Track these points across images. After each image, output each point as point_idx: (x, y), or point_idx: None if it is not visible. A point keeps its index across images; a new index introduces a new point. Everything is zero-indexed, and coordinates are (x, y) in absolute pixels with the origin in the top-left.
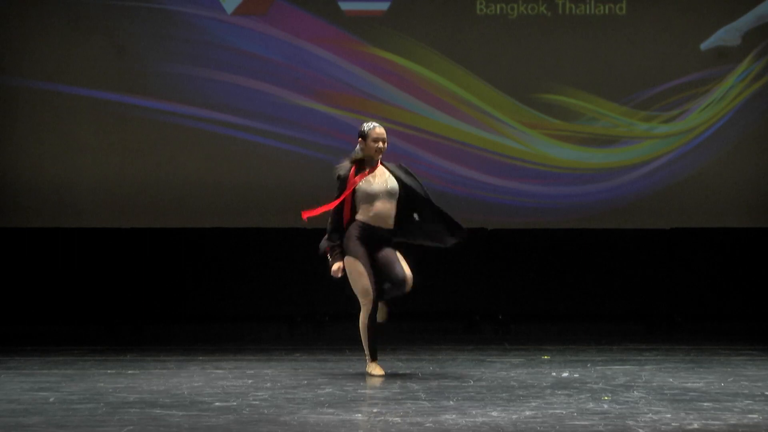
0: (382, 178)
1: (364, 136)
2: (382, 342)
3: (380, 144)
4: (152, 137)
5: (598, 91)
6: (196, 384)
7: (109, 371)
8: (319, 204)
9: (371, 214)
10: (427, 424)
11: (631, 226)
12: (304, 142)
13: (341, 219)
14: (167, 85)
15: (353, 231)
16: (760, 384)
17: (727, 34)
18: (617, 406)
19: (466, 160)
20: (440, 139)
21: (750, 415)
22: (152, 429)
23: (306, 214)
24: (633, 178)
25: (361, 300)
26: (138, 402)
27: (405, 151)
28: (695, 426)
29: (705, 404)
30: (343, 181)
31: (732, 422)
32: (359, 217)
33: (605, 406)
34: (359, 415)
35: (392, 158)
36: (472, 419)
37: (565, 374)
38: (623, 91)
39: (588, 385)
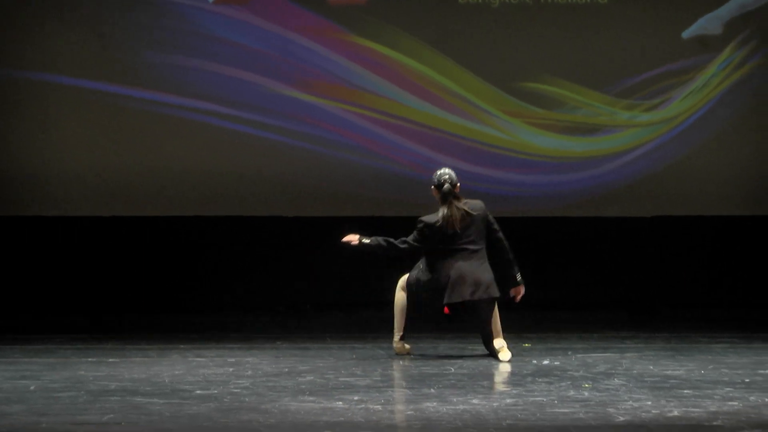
0: None
1: None
2: (364, 330)
3: None
4: (136, 127)
5: (580, 80)
6: (177, 372)
7: (90, 359)
8: None
9: None
10: (408, 412)
11: (612, 214)
12: (287, 132)
13: None
14: (151, 75)
15: None
16: (740, 371)
17: (709, 23)
18: (598, 394)
19: (448, 148)
20: (422, 128)
21: (730, 403)
22: (133, 417)
23: None
24: (615, 167)
25: None
26: (119, 390)
27: (387, 140)
28: (675, 413)
29: (685, 392)
30: None
31: (712, 409)
32: None
33: (586, 393)
34: (340, 402)
35: (371, 146)
36: (453, 407)
37: (545, 362)
38: (605, 79)
39: (569, 372)
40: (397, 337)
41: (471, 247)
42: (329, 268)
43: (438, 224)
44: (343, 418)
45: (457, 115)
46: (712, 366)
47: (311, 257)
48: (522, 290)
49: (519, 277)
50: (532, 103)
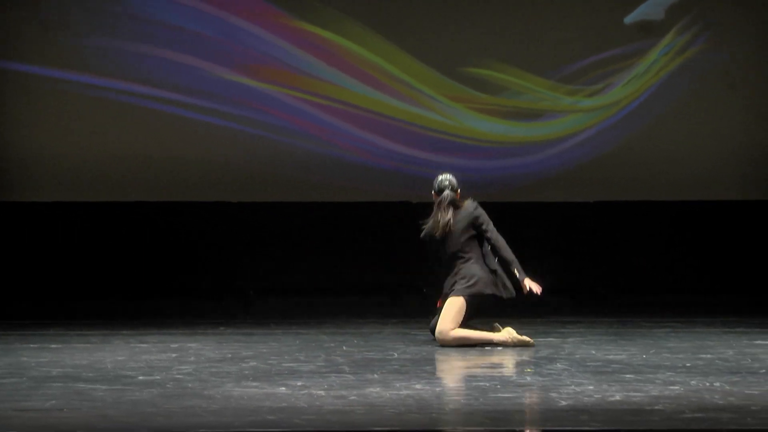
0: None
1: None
2: (307, 316)
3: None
4: (79, 112)
5: (523, 65)
6: (119, 358)
7: (32, 345)
8: None
9: None
10: (351, 397)
11: (555, 199)
12: (231, 116)
13: None
14: (95, 59)
15: None
16: (681, 356)
17: (651, 8)
18: (540, 379)
19: (391, 133)
20: (366, 113)
21: (671, 387)
22: (76, 403)
23: None
24: (557, 152)
25: None
26: (61, 376)
27: (331, 124)
28: (617, 398)
29: (627, 376)
30: None
31: (654, 394)
32: None
33: (528, 378)
34: (283, 388)
35: (315, 131)
36: (396, 392)
37: (488, 347)
38: (548, 65)
39: (511, 357)
40: (499, 336)
41: (461, 254)
42: (273, 253)
43: (425, 228)
44: (286, 404)
45: (400, 100)
46: (653, 350)
47: (255, 243)
48: (528, 284)
49: (518, 274)
50: (475, 88)
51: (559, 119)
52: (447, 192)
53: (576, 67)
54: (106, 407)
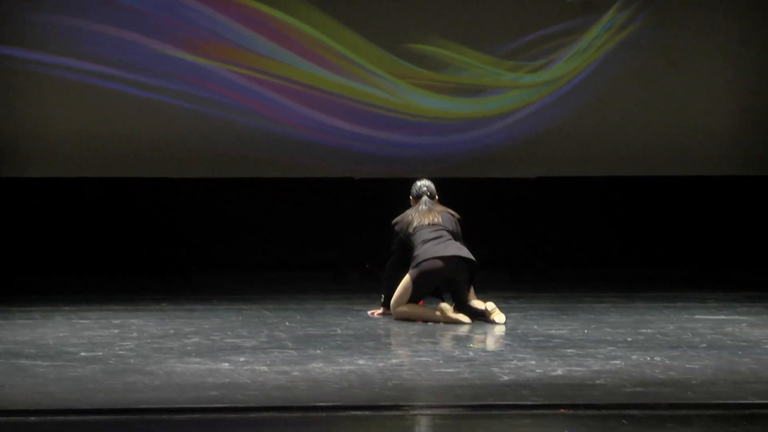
0: None
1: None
2: (249, 292)
3: None
4: (22, 87)
5: (465, 41)
6: (61, 334)
7: None
8: None
9: None
10: (294, 373)
11: (497, 175)
12: (172, 92)
13: None
14: (35, 35)
15: None
16: (622, 330)
17: None
18: (483, 354)
19: (333, 109)
20: (308, 89)
21: (613, 361)
22: (18, 379)
23: None
24: (499, 128)
25: None
26: (3, 353)
27: (273, 100)
28: (559, 372)
29: (569, 351)
30: None
31: (595, 368)
32: None
33: (471, 353)
34: (226, 364)
35: (258, 107)
36: (339, 367)
37: (430, 323)
38: (489, 40)
39: (453, 332)
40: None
41: (449, 235)
42: (216, 229)
43: (404, 222)
44: (229, 380)
45: (343, 77)
46: (595, 325)
47: (197, 218)
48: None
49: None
50: (417, 64)
51: (500, 95)
52: (425, 198)
53: (518, 43)
54: (48, 383)
